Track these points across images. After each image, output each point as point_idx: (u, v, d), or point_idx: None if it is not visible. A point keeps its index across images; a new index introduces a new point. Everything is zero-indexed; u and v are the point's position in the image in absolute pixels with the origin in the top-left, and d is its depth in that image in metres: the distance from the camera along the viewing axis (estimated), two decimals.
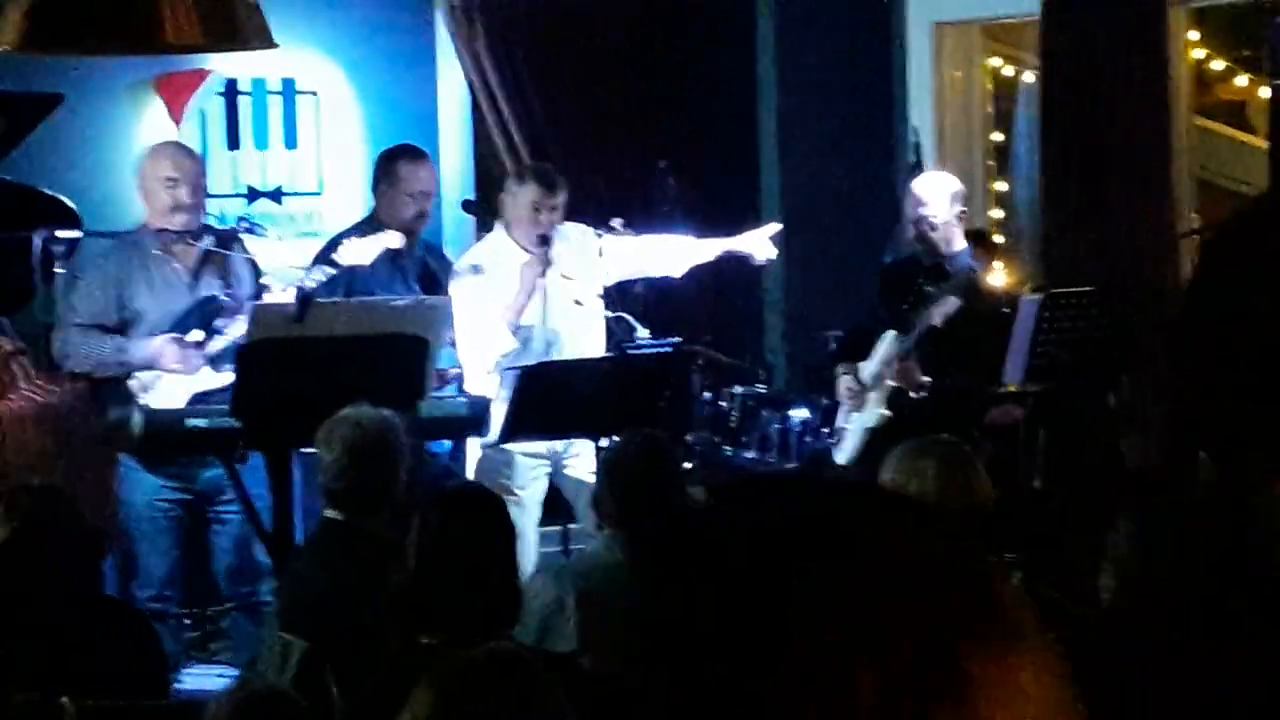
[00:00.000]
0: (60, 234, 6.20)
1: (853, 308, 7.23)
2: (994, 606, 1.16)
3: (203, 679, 6.42)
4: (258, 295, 6.29)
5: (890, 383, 6.63)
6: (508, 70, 8.32)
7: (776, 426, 7.66)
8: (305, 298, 5.84)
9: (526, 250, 6.52)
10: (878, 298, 6.89)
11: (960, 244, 6.74)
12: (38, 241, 6.11)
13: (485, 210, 7.47)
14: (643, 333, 6.89)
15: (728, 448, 7.70)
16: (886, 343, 6.65)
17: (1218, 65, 8.83)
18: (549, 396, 6.09)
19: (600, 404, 6.07)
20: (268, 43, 6.10)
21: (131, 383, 6.18)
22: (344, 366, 5.54)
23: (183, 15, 5.70)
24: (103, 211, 7.12)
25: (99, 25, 5.82)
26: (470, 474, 6.48)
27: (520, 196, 6.57)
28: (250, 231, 6.49)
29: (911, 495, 3.50)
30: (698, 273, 7.00)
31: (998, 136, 8.84)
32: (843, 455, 6.76)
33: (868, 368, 6.70)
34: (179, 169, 6.35)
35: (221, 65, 7.86)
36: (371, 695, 3.89)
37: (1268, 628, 3.42)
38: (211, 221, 6.67)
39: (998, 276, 6.58)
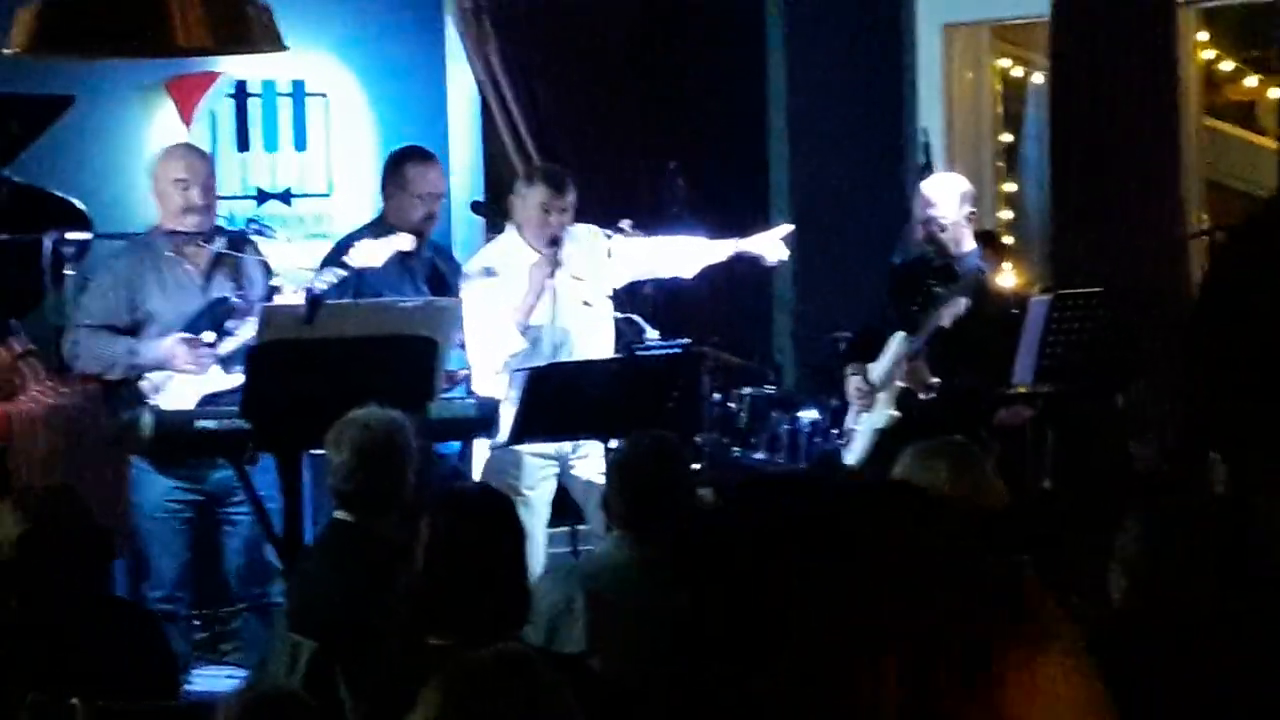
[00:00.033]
0: (70, 236, 6.21)
1: (862, 309, 7.23)
2: (1023, 607, 1.15)
3: (213, 680, 6.43)
4: (269, 297, 6.30)
5: (899, 384, 6.63)
6: (517, 72, 8.32)
7: (785, 427, 7.66)
8: (315, 299, 5.85)
9: (538, 251, 6.53)
10: (887, 298, 6.89)
11: (969, 245, 6.74)
12: (48, 243, 6.12)
13: (494, 211, 7.47)
14: (652, 334, 6.89)
15: (737, 449, 7.70)
16: (895, 344, 6.65)
17: (1227, 66, 8.82)
18: (558, 397, 6.09)
19: (609, 405, 6.07)
20: (277, 45, 6.11)
21: (143, 384, 6.19)
22: (353, 368, 5.54)
23: (193, 18, 5.71)
24: (113, 213, 7.13)
25: (109, 27, 5.83)
26: (477, 474, 6.48)
27: (529, 198, 6.57)
28: (259, 233, 6.50)
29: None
30: (707, 274, 7.00)
31: (1007, 137, 8.84)
32: (852, 456, 6.76)
33: (877, 369, 6.70)
34: (191, 171, 6.36)
35: (231, 67, 7.88)
36: (380, 696, 3.90)
37: (1269, 628, 3.42)
38: (220, 223, 6.68)
39: (1007, 277, 6.58)
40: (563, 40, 8.42)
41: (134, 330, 6.29)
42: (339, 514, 4.89)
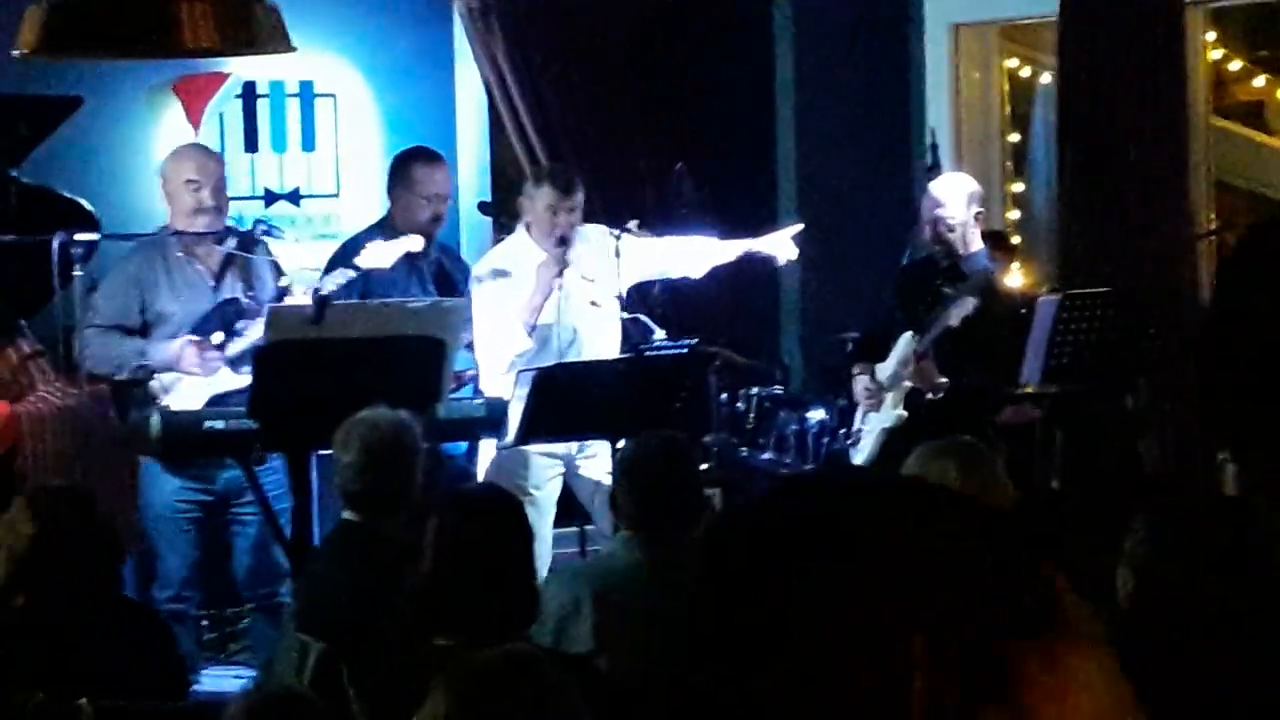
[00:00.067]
0: (79, 237, 6.21)
1: (870, 308, 7.23)
2: (1046, 604, 1.15)
3: (221, 680, 6.44)
4: (280, 297, 6.30)
5: (907, 384, 6.63)
6: (525, 72, 8.32)
7: (793, 427, 7.66)
8: (322, 300, 5.86)
9: (548, 252, 6.53)
10: (895, 298, 6.89)
11: (977, 245, 6.74)
12: (56, 244, 6.12)
13: (501, 212, 7.47)
14: (659, 334, 6.89)
15: (745, 449, 7.70)
16: (903, 343, 6.65)
17: (1235, 66, 8.82)
18: (566, 397, 6.09)
19: (617, 405, 6.07)
20: (285, 46, 6.12)
21: (152, 384, 6.20)
22: (361, 368, 5.54)
23: (201, 19, 5.72)
24: (121, 214, 7.13)
25: (117, 29, 5.84)
26: (483, 474, 6.48)
27: (537, 199, 6.57)
28: (268, 234, 6.50)
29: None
30: (715, 274, 7.00)
31: (1015, 137, 8.84)
32: (860, 456, 6.75)
33: (885, 368, 6.70)
34: (202, 171, 6.37)
35: (240, 68, 7.88)
36: (388, 696, 3.90)
37: (1272, 628, 3.42)
38: (231, 224, 6.68)
39: (1015, 277, 6.58)
40: (570, 41, 8.42)
41: (145, 331, 6.30)
42: (347, 514, 4.90)
